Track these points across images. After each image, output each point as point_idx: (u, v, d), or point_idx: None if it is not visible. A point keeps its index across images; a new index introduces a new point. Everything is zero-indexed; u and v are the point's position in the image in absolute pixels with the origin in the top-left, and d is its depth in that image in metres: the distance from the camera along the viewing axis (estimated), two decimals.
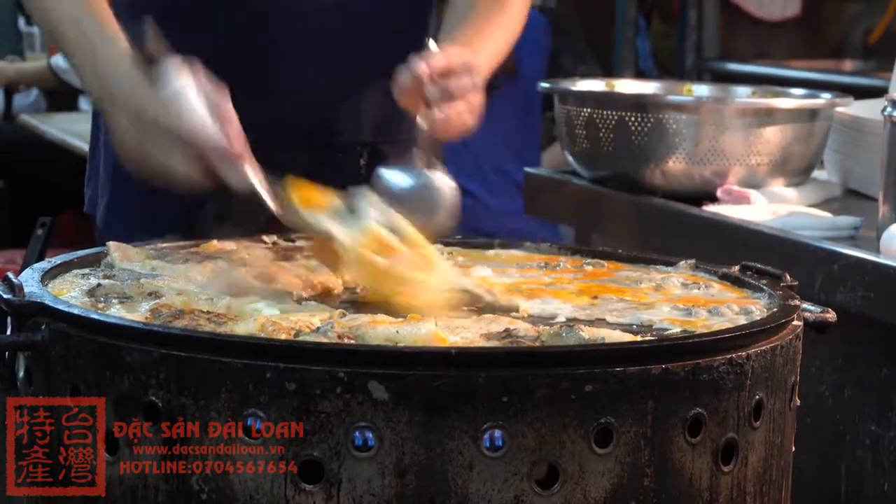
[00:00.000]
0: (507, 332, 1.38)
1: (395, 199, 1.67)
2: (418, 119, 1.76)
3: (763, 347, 1.39)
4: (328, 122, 2.00)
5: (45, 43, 7.05)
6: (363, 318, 1.41)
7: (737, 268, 1.69)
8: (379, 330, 1.35)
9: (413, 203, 1.68)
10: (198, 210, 1.91)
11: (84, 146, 4.75)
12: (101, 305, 1.47)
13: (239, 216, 1.83)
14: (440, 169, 1.74)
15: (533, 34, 4.15)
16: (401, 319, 1.39)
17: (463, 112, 1.78)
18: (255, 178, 1.65)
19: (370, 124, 2.04)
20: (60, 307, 1.38)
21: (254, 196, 1.64)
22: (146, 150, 1.72)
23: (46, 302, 1.39)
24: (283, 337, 1.34)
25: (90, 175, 2.13)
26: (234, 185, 1.66)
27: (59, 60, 5.82)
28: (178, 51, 1.73)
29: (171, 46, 1.73)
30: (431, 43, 1.82)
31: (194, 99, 1.67)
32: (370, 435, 1.24)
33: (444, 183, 1.73)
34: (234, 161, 1.65)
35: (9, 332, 1.40)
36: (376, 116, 2.02)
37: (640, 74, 6.10)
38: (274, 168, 1.70)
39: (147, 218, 1.97)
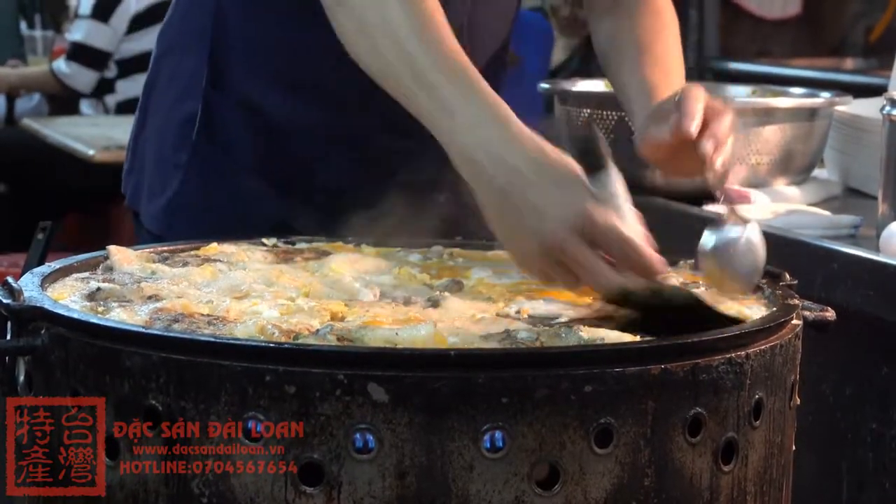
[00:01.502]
0: (507, 333, 1.39)
1: (718, 259, 1.65)
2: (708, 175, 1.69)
3: (763, 347, 1.39)
4: None
5: (46, 46, 7.06)
6: (362, 320, 1.41)
7: None
8: (378, 332, 1.35)
9: (740, 258, 1.64)
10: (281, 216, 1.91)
11: (86, 150, 4.77)
12: (100, 309, 1.47)
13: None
14: (751, 221, 1.68)
15: (536, 35, 4.16)
16: (400, 320, 1.39)
17: (729, 150, 1.70)
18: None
19: None
20: (60, 311, 1.38)
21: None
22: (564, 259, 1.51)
23: (46, 306, 1.39)
24: (283, 340, 1.34)
25: (132, 165, 2.11)
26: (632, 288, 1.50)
27: (60, 65, 5.82)
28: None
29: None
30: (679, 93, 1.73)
31: (629, 208, 1.54)
32: (370, 437, 1.25)
33: (758, 238, 1.67)
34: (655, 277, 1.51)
35: (8, 337, 1.40)
36: None
37: None
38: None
39: (213, 218, 1.95)
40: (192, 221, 1.98)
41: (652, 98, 1.82)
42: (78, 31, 5.77)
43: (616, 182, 1.53)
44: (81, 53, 5.73)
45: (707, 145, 1.66)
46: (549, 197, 1.49)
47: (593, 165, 1.51)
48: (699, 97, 1.69)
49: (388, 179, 1.83)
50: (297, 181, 1.96)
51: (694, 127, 1.66)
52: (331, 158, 1.93)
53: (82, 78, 5.75)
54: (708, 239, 1.67)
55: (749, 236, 1.65)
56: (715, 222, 1.68)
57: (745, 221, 1.66)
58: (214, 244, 1.77)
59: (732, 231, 1.65)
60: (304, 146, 1.94)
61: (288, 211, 1.94)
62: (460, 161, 1.55)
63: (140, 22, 5.68)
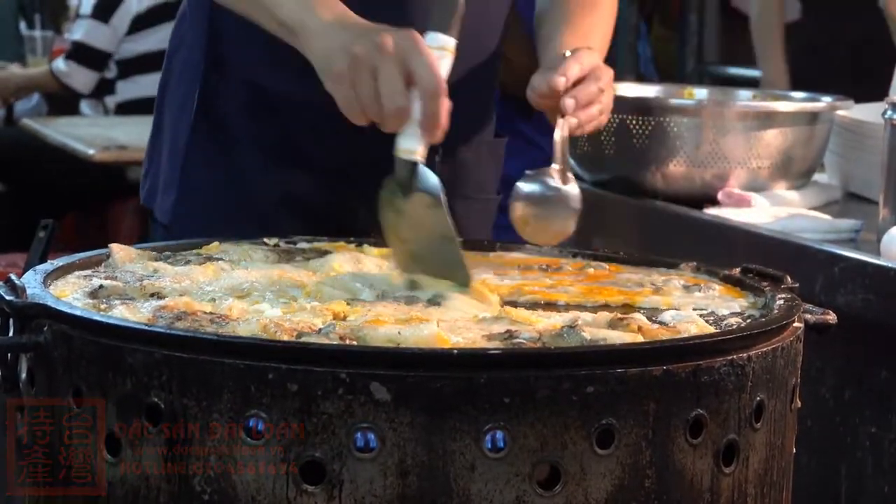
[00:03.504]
0: (509, 334, 1.39)
1: (532, 206, 1.82)
2: (557, 124, 1.84)
3: (764, 349, 1.39)
4: None
5: (46, 46, 7.06)
6: (364, 320, 1.41)
7: (738, 270, 1.69)
8: (381, 331, 1.35)
9: (549, 210, 1.81)
10: (279, 208, 1.92)
11: (86, 150, 4.76)
12: (103, 307, 1.47)
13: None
14: (571, 179, 1.84)
15: None
16: (403, 320, 1.39)
17: (595, 113, 1.87)
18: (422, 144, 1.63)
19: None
20: (62, 308, 1.38)
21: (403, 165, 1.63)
22: (363, 68, 1.63)
23: (48, 303, 1.39)
24: (286, 338, 1.34)
25: (148, 168, 2.12)
26: (401, 141, 1.63)
27: (59, 64, 5.81)
28: None
29: None
30: (565, 50, 1.90)
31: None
32: (372, 436, 1.25)
33: (574, 192, 1.83)
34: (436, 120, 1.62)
35: (11, 334, 1.40)
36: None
37: (641, 79, 6.10)
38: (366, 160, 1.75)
39: (222, 213, 1.96)
40: (197, 205, 1.99)
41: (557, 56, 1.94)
42: (78, 31, 5.76)
43: None
44: (81, 53, 5.72)
45: (567, 102, 1.83)
46: (359, 28, 1.66)
47: None
48: (583, 60, 1.86)
49: (386, 151, 1.86)
50: (297, 154, 1.97)
51: (561, 82, 1.83)
52: (329, 131, 1.93)
53: (81, 77, 5.75)
54: (527, 184, 1.83)
55: (569, 190, 1.82)
56: (538, 173, 1.82)
57: (569, 181, 1.83)
58: (216, 243, 1.78)
59: (553, 183, 1.82)
60: (302, 119, 1.96)
61: (290, 184, 1.96)
62: (299, 40, 1.73)
63: (141, 22, 5.67)
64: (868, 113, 2.62)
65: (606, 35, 2.09)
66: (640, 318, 1.46)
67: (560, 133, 1.84)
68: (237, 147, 1.99)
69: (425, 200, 1.61)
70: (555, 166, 1.83)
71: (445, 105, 1.60)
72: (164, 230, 2.01)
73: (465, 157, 2.03)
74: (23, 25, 7.38)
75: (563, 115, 1.84)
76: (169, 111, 2.07)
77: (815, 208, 2.54)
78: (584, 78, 1.86)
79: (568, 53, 1.88)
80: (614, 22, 2.13)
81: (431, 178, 1.61)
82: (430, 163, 1.65)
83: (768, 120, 2.55)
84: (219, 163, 1.99)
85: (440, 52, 1.65)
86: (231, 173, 1.99)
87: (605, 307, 1.58)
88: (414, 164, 1.61)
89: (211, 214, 1.94)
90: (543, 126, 4.07)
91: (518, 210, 1.82)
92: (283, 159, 1.98)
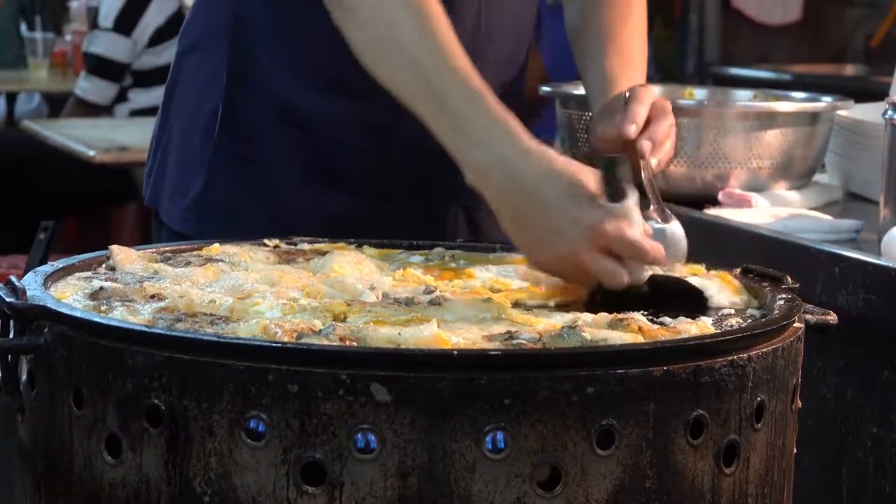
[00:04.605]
0: (509, 334, 1.39)
1: None
2: (640, 166, 1.84)
3: (765, 349, 1.39)
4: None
5: (47, 48, 7.06)
6: (364, 321, 1.41)
7: (738, 270, 1.69)
8: (381, 332, 1.35)
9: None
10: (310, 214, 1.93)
11: (87, 151, 4.76)
12: (103, 308, 1.47)
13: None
14: (672, 216, 1.85)
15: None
16: (403, 321, 1.39)
17: (669, 149, 1.89)
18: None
19: None
20: (63, 310, 1.38)
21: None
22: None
23: (49, 305, 1.39)
24: (286, 339, 1.34)
25: (152, 167, 2.11)
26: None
27: (83, 84, 5.74)
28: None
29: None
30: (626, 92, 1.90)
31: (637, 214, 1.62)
32: (372, 437, 1.25)
33: (680, 231, 1.84)
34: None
35: (11, 336, 1.40)
36: None
37: None
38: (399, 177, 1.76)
39: (247, 229, 1.95)
40: (220, 218, 1.98)
41: (609, 89, 1.95)
42: (99, 44, 5.69)
43: (630, 200, 1.62)
44: (102, 67, 5.69)
45: (644, 145, 1.84)
46: (563, 216, 1.57)
47: (614, 194, 1.61)
48: (644, 99, 1.86)
49: (414, 168, 1.86)
50: (329, 171, 1.96)
51: (633, 130, 1.83)
52: (360, 147, 1.93)
53: (102, 91, 5.72)
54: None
55: (673, 230, 1.82)
56: (642, 214, 1.76)
57: (670, 218, 1.83)
58: (216, 244, 1.78)
59: (657, 224, 1.81)
60: (332, 135, 1.95)
61: (323, 201, 1.95)
62: (475, 176, 1.61)
63: (161, 35, 5.64)
64: (869, 113, 2.62)
65: (644, 43, 2.10)
66: (640, 318, 1.46)
67: (646, 175, 1.84)
68: (265, 162, 1.97)
69: None
70: (653, 207, 1.84)
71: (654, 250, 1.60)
72: (178, 237, 2.00)
73: None
74: (23, 27, 7.38)
75: (643, 157, 1.84)
76: (179, 114, 2.05)
77: (815, 208, 2.54)
78: (651, 117, 1.86)
79: (627, 95, 1.88)
80: (647, 23, 2.13)
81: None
82: (458, 174, 1.63)
83: (769, 120, 2.55)
84: (245, 178, 1.97)
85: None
86: (259, 189, 1.97)
87: None
88: None
89: (235, 230, 1.92)
90: (542, 123, 4.07)
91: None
92: (315, 176, 1.96)
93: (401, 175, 1.96)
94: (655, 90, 1.90)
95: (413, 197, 1.96)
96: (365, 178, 1.96)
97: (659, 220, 1.83)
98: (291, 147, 1.96)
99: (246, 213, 1.98)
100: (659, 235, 1.75)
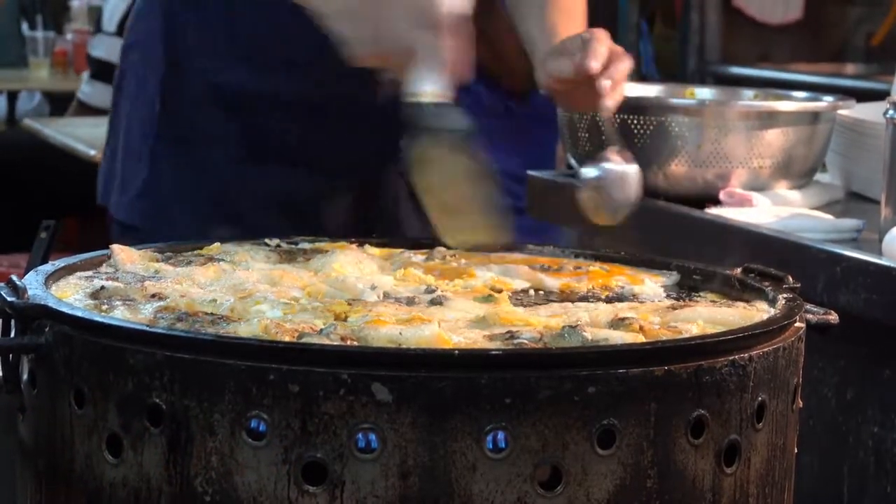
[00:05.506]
0: (510, 334, 1.39)
1: (600, 190, 1.89)
2: (599, 107, 1.89)
3: (766, 349, 1.39)
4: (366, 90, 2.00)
5: (48, 47, 7.06)
6: (366, 320, 1.41)
7: (739, 270, 1.69)
8: (382, 331, 1.35)
9: (617, 191, 1.88)
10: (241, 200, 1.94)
11: (88, 150, 4.76)
12: (104, 308, 1.47)
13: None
14: (633, 161, 1.91)
15: None
16: (404, 320, 1.39)
17: (622, 91, 1.93)
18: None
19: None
20: (64, 309, 1.38)
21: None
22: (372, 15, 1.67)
23: (50, 304, 1.39)
24: (287, 339, 1.34)
25: (103, 166, 2.13)
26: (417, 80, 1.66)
27: (86, 89, 5.75)
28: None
29: None
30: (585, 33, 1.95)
31: None
32: (373, 436, 1.25)
33: (635, 175, 1.91)
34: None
35: (13, 335, 1.40)
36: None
37: (643, 78, 6.09)
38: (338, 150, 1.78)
39: (193, 212, 1.97)
40: (165, 204, 2.00)
41: (554, 38, 1.99)
42: (102, 48, 5.69)
43: None
44: (105, 71, 5.68)
45: (605, 83, 1.87)
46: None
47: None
48: (604, 40, 1.90)
49: (350, 140, 1.88)
50: (268, 149, 1.98)
51: (596, 66, 1.86)
52: (298, 123, 1.94)
53: (105, 96, 5.72)
54: (588, 170, 1.90)
55: (627, 171, 1.89)
56: (599, 157, 1.88)
57: (629, 160, 1.89)
58: (217, 244, 1.78)
59: (612, 166, 1.88)
60: (269, 114, 1.97)
61: (265, 179, 1.97)
62: None
63: None
64: (870, 112, 2.62)
65: (584, 5, 2.13)
66: (641, 318, 1.46)
67: (607, 115, 1.90)
68: (206, 145, 2.00)
69: (450, 139, 1.64)
70: (612, 148, 1.90)
71: (459, 40, 1.64)
72: (124, 229, 2.02)
73: None
74: (24, 26, 7.38)
75: (600, 97, 1.88)
76: (124, 111, 2.08)
77: (816, 208, 2.53)
78: (612, 60, 1.89)
79: (586, 36, 1.92)
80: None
81: (456, 117, 1.65)
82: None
83: (770, 119, 2.54)
84: (186, 163, 2.01)
85: None
86: (201, 172, 2.00)
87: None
88: (437, 105, 1.64)
89: (181, 214, 1.96)
90: (537, 112, 4.06)
91: (587, 196, 1.89)
92: (253, 154, 1.99)
93: (337, 147, 1.97)
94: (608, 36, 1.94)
95: (352, 169, 1.97)
96: (301, 152, 1.98)
97: (618, 159, 1.89)
98: (228, 127, 2.00)
99: (189, 196, 2.00)
100: (613, 175, 1.85)
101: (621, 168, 1.90)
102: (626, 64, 1.91)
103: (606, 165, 1.89)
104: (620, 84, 1.90)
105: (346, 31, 1.64)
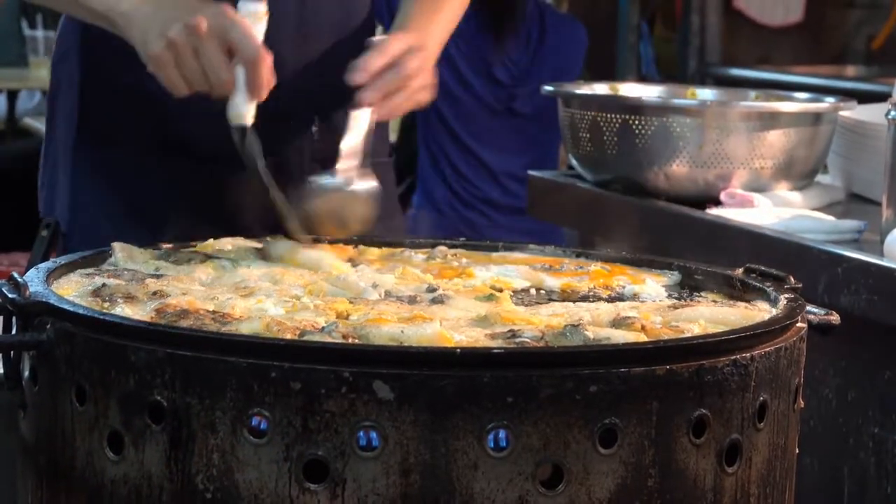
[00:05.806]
0: (512, 333, 1.39)
1: (323, 201, 1.86)
2: (360, 109, 1.90)
3: (767, 349, 1.39)
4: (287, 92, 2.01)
5: (48, 47, 7.05)
6: (367, 318, 1.41)
7: (741, 270, 1.69)
8: (384, 329, 1.35)
9: (338, 205, 1.87)
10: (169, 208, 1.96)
11: None
12: (105, 305, 1.47)
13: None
14: (368, 174, 1.89)
15: (578, 44, 4.10)
16: (406, 319, 1.39)
17: (400, 101, 1.92)
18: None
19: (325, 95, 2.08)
20: (65, 307, 1.38)
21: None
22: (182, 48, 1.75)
23: (51, 301, 1.39)
24: (288, 336, 1.34)
25: (43, 180, 2.14)
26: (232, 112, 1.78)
27: None
28: None
29: None
30: (376, 36, 2.00)
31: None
32: (375, 434, 1.25)
33: (365, 194, 1.88)
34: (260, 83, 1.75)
35: (14, 332, 1.40)
36: (328, 88, 2.05)
37: (643, 80, 6.10)
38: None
39: (113, 219, 1.99)
40: (87, 211, 2.02)
41: (407, 22, 2.03)
42: None
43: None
44: None
45: (364, 95, 1.89)
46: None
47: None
48: (388, 50, 1.91)
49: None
50: (169, 141, 2.02)
51: (358, 78, 1.88)
52: (203, 119, 1.95)
53: None
54: (321, 179, 1.88)
55: (358, 189, 1.87)
56: (337, 170, 1.87)
57: (366, 180, 1.88)
58: (211, 240, 1.78)
59: (346, 182, 1.87)
60: (177, 113, 1.98)
61: (176, 179, 2.01)
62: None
63: None
64: (871, 114, 2.62)
65: (453, 20, 2.12)
66: (643, 317, 1.46)
67: (363, 126, 1.89)
68: (120, 151, 2.02)
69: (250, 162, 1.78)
70: (352, 163, 1.88)
71: (267, 68, 1.74)
72: (64, 238, 2.04)
73: (343, 124, 2.01)
74: (25, 25, 7.38)
75: (361, 106, 1.89)
76: (55, 122, 2.10)
77: (818, 209, 2.54)
78: (389, 67, 1.89)
79: (378, 39, 1.94)
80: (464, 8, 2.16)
81: (253, 143, 1.78)
82: (307, 130, 1.86)
83: (771, 120, 2.55)
84: (104, 171, 2.03)
85: (253, 18, 1.78)
86: (117, 178, 2.02)
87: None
88: (244, 129, 1.78)
89: (103, 221, 1.98)
90: (538, 112, 4.05)
91: (316, 205, 1.86)
92: (166, 155, 2.01)
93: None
94: (412, 40, 1.94)
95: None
96: (206, 141, 1.98)
97: (356, 177, 1.87)
98: (142, 131, 2.02)
99: (110, 204, 2.02)
100: (338, 188, 1.85)
101: (355, 185, 1.87)
102: (395, 76, 1.89)
103: (340, 180, 1.87)
104: (390, 96, 1.90)
105: (163, 76, 1.78)
